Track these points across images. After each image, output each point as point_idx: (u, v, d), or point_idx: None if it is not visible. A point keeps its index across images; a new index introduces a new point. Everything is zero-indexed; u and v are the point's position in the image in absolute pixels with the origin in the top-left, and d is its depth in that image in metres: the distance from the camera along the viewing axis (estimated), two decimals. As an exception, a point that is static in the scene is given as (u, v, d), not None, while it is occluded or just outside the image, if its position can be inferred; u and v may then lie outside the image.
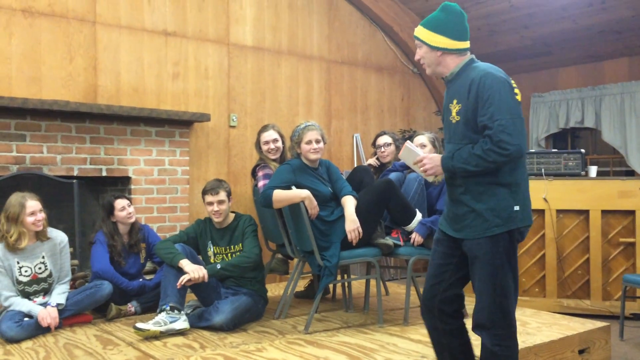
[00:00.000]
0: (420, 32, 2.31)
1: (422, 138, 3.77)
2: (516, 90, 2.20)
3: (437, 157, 2.30)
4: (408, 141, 2.51)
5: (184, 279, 3.24)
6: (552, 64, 6.51)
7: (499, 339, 2.22)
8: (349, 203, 3.44)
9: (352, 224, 3.34)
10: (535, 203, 4.64)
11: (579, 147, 6.42)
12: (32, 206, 3.29)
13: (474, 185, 2.22)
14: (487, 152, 2.12)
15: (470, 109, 2.19)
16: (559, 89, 6.47)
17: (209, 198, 3.53)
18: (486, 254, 2.20)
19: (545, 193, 4.62)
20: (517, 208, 2.21)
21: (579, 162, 4.66)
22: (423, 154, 2.36)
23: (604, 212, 4.52)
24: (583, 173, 4.67)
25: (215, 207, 3.51)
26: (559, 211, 4.62)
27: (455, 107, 2.26)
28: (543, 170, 4.69)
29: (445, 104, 2.35)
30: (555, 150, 4.95)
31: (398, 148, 4.10)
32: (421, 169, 2.34)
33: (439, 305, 2.37)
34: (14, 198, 3.29)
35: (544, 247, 4.64)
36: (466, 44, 2.30)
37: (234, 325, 3.32)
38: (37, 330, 3.22)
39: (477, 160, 2.14)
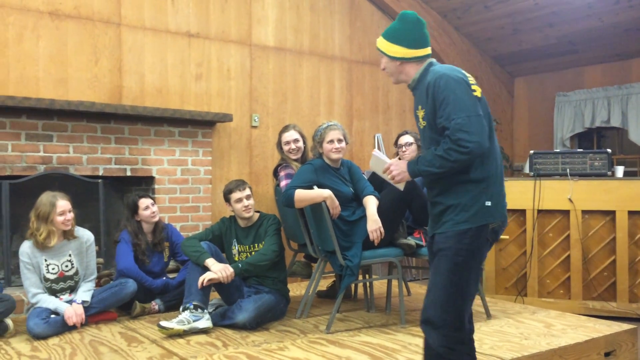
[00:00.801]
0: (380, 42, 2.36)
1: None
2: (474, 87, 2.20)
3: (403, 163, 2.31)
4: (375, 149, 2.50)
5: (205, 277, 3.26)
6: (578, 63, 6.42)
7: (447, 340, 2.13)
8: (371, 203, 3.43)
9: (374, 224, 3.33)
10: (561, 204, 4.58)
11: (605, 147, 6.32)
12: (63, 206, 3.35)
13: (447, 185, 2.21)
14: (447, 151, 2.11)
15: (430, 112, 2.21)
16: (584, 87, 6.38)
17: (236, 195, 3.53)
18: (449, 249, 2.16)
19: (571, 193, 4.55)
20: (488, 203, 2.18)
21: (605, 162, 4.58)
22: (390, 161, 2.36)
23: (631, 213, 4.44)
24: (609, 173, 4.59)
25: (245, 202, 3.53)
26: (584, 212, 4.55)
27: (420, 113, 2.27)
28: (568, 170, 4.62)
29: (414, 113, 2.36)
30: (581, 150, 4.88)
31: (420, 148, 4.08)
32: (389, 176, 2.34)
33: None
34: (45, 197, 3.36)
35: (569, 249, 4.57)
36: (425, 51, 2.31)
37: (257, 324, 3.33)
38: (63, 327, 3.28)
39: (440, 161, 2.13)
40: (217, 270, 3.28)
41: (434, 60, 2.34)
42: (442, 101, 2.15)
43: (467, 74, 2.26)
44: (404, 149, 4.10)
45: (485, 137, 2.12)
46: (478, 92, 2.22)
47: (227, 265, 3.33)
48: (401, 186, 2.52)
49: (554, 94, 6.60)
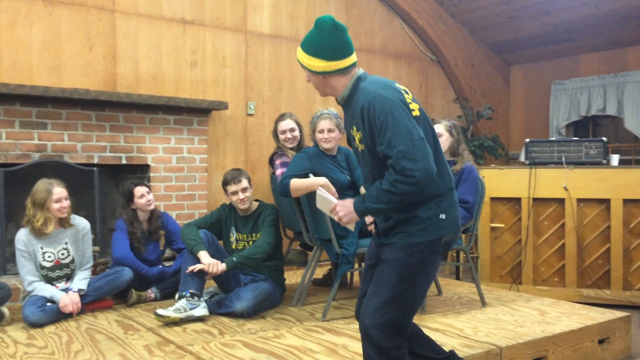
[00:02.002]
0: (300, 55, 2.13)
1: (439, 127, 3.74)
2: (412, 106, 2.06)
3: (349, 203, 2.11)
4: (320, 188, 2.31)
5: (195, 267, 3.26)
6: (574, 51, 6.41)
7: (384, 352, 2.03)
8: None
9: None
10: (556, 192, 4.59)
11: (601, 135, 6.32)
12: (59, 193, 3.34)
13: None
14: (394, 184, 1.95)
15: (368, 137, 2.03)
16: (580, 76, 6.37)
17: (232, 188, 3.53)
18: (397, 260, 2.05)
19: (566, 182, 4.56)
20: (442, 216, 2.08)
21: (601, 151, 4.59)
22: (335, 201, 2.17)
23: (626, 201, 4.46)
24: (604, 162, 4.60)
25: (240, 195, 3.52)
26: (579, 200, 4.57)
27: (357, 135, 2.09)
28: (564, 158, 4.63)
29: (347, 130, 2.19)
30: (577, 138, 4.88)
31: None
32: (335, 217, 2.14)
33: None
34: (41, 184, 3.34)
35: (564, 237, 4.59)
36: (348, 61, 2.09)
37: (254, 312, 3.35)
38: (59, 315, 3.28)
39: (388, 195, 1.96)
40: (207, 263, 3.28)
41: (362, 72, 2.13)
42: (380, 127, 1.97)
43: (402, 88, 2.10)
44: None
45: (430, 161, 1.96)
46: (416, 109, 2.08)
47: (218, 262, 3.31)
48: (351, 226, 2.21)
49: (550, 82, 6.60)
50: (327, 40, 2.06)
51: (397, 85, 2.11)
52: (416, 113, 2.07)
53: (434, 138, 2.13)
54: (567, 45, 6.33)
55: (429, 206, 2.06)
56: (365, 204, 2.04)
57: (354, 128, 2.10)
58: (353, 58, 2.11)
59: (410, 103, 2.07)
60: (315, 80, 2.14)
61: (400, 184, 1.94)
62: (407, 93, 2.10)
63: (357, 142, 2.10)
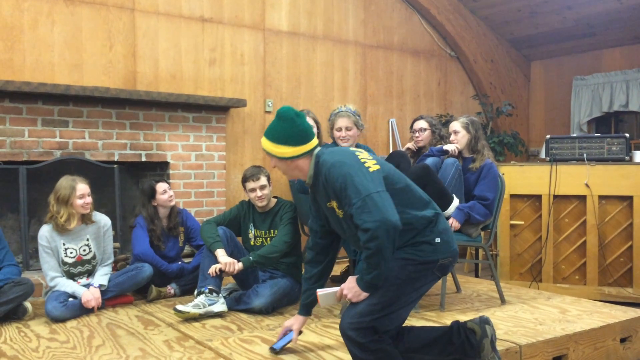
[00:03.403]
0: (265, 143, 2.33)
1: (456, 124, 3.71)
2: (368, 164, 2.18)
3: (351, 282, 2.20)
4: (318, 290, 2.41)
5: (216, 267, 3.28)
6: (596, 46, 6.31)
7: (368, 352, 2.13)
8: None
9: None
10: (577, 189, 4.54)
11: (623, 132, 6.22)
12: (82, 189, 3.39)
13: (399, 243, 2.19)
14: (367, 244, 2.05)
15: (340, 204, 2.19)
16: (602, 71, 6.27)
17: (250, 185, 3.54)
18: (389, 271, 2.14)
19: (587, 179, 4.50)
20: (438, 240, 2.21)
21: (623, 147, 4.52)
22: (337, 289, 2.29)
23: (649, 199, 4.39)
24: (627, 158, 4.53)
25: (259, 193, 3.54)
26: (601, 197, 4.50)
27: (334, 205, 2.23)
28: (585, 155, 4.56)
29: (323, 206, 2.33)
30: (598, 134, 4.82)
31: (434, 133, 4.05)
32: (346, 300, 2.23)
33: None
34: (65, 181, 3.39)
35: (585, 234, 4.53)
36: (312, 144, 2.29)
37: (272, 308, 3.36)
38: (81, 310, 3.33)
39: (373, 259, 2.06)
40: (224, 263, 3.30)
41: (319, 149, 2.31)
42: (339, 189, 2.12)
43: (357, 150, 2.26)
44: (417, 134, 4.07)
45: (388, 210, 2.04)
46: (372, 164, 2.18)
47: (234, 261, 3.33)
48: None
49: (571, 77, 6.51)
50: (291, 128, 2.27)
51: (352, 149, 2.30)
52: (374, 168, 2.19)
53: (398, 177, 2.26)
54: (588, 40, 6.23)
55: (423, 233, 2.21)
56: (364, 277, 2.13)
57: (330, 200, 2.24)
58: (315, 140, 2.32)
59: (365, 160, 2.21)
60: (283, 166, 2.32)
61: (370, 242, 2.04)
62: (361, 153, 2.26)
63: (337, 212, 2.23)
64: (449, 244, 2.26)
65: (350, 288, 2.19)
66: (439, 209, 2.33)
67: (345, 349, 2.66)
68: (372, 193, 2.06)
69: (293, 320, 2.67)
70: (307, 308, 2.62)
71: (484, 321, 2.36)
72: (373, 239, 2.03)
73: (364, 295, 2.17)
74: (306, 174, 2.31)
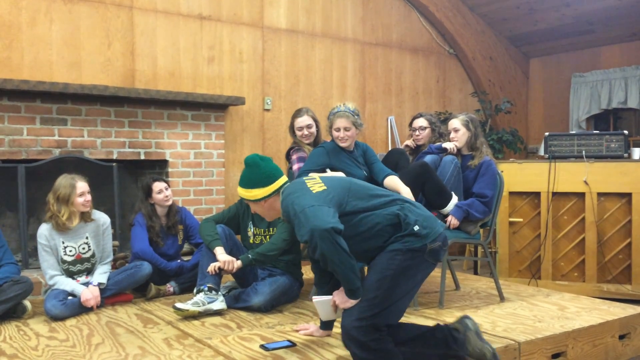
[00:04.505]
0: (240, 191, 2.53)
1: (455, 122, 3.70)
2: (313, 187, 2.33)
3: (339, 295, 2.33)
4: (314, 297, 2.53)
5: (215, 266, 3.28)
6: (594, 43, 6.31)
7: (369, 350, 2.18)
8: (399, 181, 3.39)
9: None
10: (576, 186, 4.54)
11: (622, 129, 6.23)
12: (82, 187, 3.39)
13: (370, 252, 2.33)
14: (313, 255, 2.17)
15: None
16: (601, 68, 6.27)
17: None
18: (380, 264, 2.27)
19: (586, 176, 4.50)
20: (416, 228, 2.29)
21: (622, 144, 4.52)
22: (330, 298, 2.42)
23: (648, 196, 4.39)
24: (626, 155, 4.53)
25: None
26: (600, 194, 4.51)
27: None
28: (584, 152, 4.57)
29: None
30: (597, 131, 4.82)
31: (434, 131, 4.04)
32: (341, 308, 2.34)
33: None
34: (64, 180, 3.39)
35: (584, 231, 4.54)
36: (278, 183, 2.48)
37: (271, 306, 3.36)
38: (80, 308, 3.33)
39: (328, 265, 2.18)
40: (223, 261, 3.30)
41: (285, 187, 2.46)
42: (291, 218, 2.27)
43: (306, 179, 2.43)
44: (417, 132, 4.06)
45: (317, 218, 2.15)
46: (317, 187, 2.34)
47: (233, 260, 3.33)
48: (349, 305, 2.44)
49: (569, 74, 6.51)
50: (258, 172, 2.48)
51: (302, 178, 2.48)
52: (319, 189, 2.33)
53: (358, 190, 2.39)
54: (587, 37, 6.23)
55: (399, 227, 2.31)
56: (346, 286, 2.24)
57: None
58: (283, 179, 2.50)
59: (311, 186, 2.36)
60: (259, 208, 2.52)
61: (313, 254, 2.17)
62: (312, 180, 2.43)
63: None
64: (432, 229, 2.32)
65: (340, 297, 2.33)
66: (406, 200, 2.42)
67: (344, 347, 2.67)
68: (305, 208, 2.20)
69: (314, 328, 2.82)
70: (328, 324, 2.76)
71: (464, 317, 2.46)
72: (314, 249, 2.15)
73: (351, 302, 2.27)
74: (278, 213, 2.50)
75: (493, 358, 2.33)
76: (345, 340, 2.25)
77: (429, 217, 2.37)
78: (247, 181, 2.50)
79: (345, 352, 2.58)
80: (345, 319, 2.24)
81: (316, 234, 2.12)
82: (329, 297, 2.43)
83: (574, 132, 5.33)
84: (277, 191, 2.48)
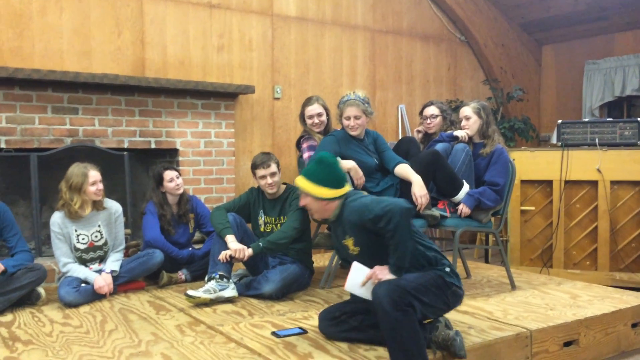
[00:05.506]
0: (303, 183, 2.53)
1: (467, 110, 3.68)
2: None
3: (382, 268, 2.39)
4: (354, 263, 2.51)
5: (226, 254, 3.29)
6: (608, 29, 6.22)
7: (395, 307, 2.22)
8: (409, 169, 3.38)
9: (422, 189, 3.28)
10: (589, 174, 4.50)
11: (636, 116, 6.15)
12: (94, 176, 3.41)
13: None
14: (386, 227, 2.29)
15: (362, 234, 2.44)
16: (614, 55, 6.19)
17: (261, 172, 3.53)
18: (425, 272, 2.42)
19: (599, 164, 4.46)
20: (447, 270, 2.49)
21: (636, 132, 4.47)
22: (368, 270, 2.44)
23: (662, 184, 4.34)
24: (639, 143, 4.48)
25: (269, 180, 3.53)
26: (613, 182, 4.47)
27: (349, 242, 2.50)
28: (597, 140, 4.52)
29: (339, 241, 2.58)
30: (610, 119, 4.76)
31: (445, 119, 4.01)
32: (377, 280, 2.38)
33: None
34: (77, 168, 3.41)
35: (597, 220, 4.50)
36: (346, 188, 2.54)
37: (282, 294, 3.37)
38: (93, 295, 3.36)
39: (393, 240, 2.30)
40: (234, 249, 3.31)
41: (346, 194, 2.53)
42: (362, 214, 2.38)
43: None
44: (429, 121, 4.03)
45: (399, 201, 2.37)
46: None
47: (244, 248, 3.34)
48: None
49: (583, 62, 6.43)
50: (331, 172, 2.52)
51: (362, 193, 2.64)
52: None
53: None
54: (601, 23, 6.14)
55: (435, 263, 2.50)
56: (390, 262, 2.36)
57: (346, 237, 2.51)
58: (348, 187, 2.56)
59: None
60: (317, 206, 2.53)
61: (387, 226, 2.29)
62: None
63: (351, 247, 2.50)
64: (459, 280, 2.48)
65: (381, 269, 2.39)
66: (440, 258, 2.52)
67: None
68: (383, 198, 2.44)
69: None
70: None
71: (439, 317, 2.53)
72: (389, 221, 2.27)
73: (390, 276, 2.35)
74: (331, 214, 2.54)
75: (456, 336, 2.39)
76: (375, 301, 2.25)
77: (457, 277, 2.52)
78: (317, 177, 2.50)
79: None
80: (382, 284, 2.29)
81: (397, 209, 2.28)
82: (366, 268, 2.45)
83: (587, 119, 5.27)
84: (341, 197, 2.52)
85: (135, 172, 4.56)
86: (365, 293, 2.43)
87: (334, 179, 2.50)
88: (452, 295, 2.44)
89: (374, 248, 2.44)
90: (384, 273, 2.36)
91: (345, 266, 4.29)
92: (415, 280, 2.33)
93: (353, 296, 2.67)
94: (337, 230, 2.59)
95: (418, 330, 2.23)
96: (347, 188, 2.55)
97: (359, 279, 2.44)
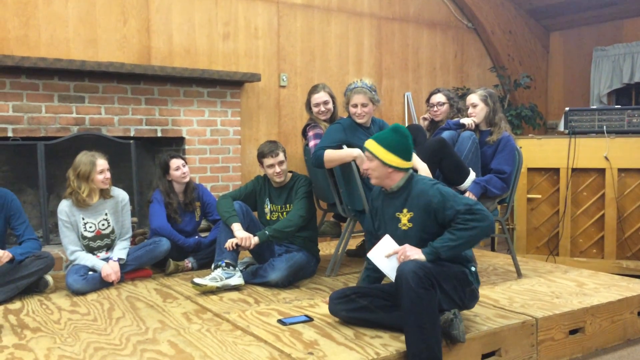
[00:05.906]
0: (374, 146, 2.55)
1: (474, 97, 3.66)
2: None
3: (414, 247, 2.44)
4: (387, 236, 2.54)
5: (232, 242, 3.30)
6: (617, 15, 6.14)
7: (419, 284, 2.27)
8: (416, 158, 3.37)
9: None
10: (596, 162, 4.48)
11: (644, 104, 6.10)
12: (102, 164, 3.43)
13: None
14: (464, 215, 2.37)
15: (423, 216, 2.47)
16: (623, 41, 6.12)
17: (269, 161, 3.53)
18: (453, 265, 2.51)
19: (607, 151, 4.43)
20: (473, 269, 2.63)
21: (644, 119, 4.44)
22: (400, 247, 2.47)
23: (670, 171, 4.31)
24: (648, 130, 4.45)
25: (277, 169, 3.53)
26: (620, 170, 4.44)
27: (404, 216, 2.52)
28: (605, 127, 4.49)
29: (389, 213, 2.59)
30: (619, 106, 4.72)
31: (452, 107, 3.99)
32: (403, 257, 2.42)
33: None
34: (84, 157, 3.42)
35: (604, 207, 4.49)
36: (411, 163, 2.59)
37: (289, 282, 3.39)
38: (100, 283, 3.39)
39: (459, 232, 2.37)
40: (240, 237, 3.32)
41: (411, 170, 2.61)
42: (441, 202, 2.42)
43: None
44: (435, 108, 4.01)
45: (490, 215, 2.45)
46: None
47: (250, 236, 3.34)
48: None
49: (591, 48, 6.36)
50: (405, 143, 2.54)
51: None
52: None
53: None
54: (609, 9, 6.06)
55: (466, 262, 2.59)
56: (434, 244, 2.40)
57: (404, 210, 2.53)
58: (412, 162, 2.61)
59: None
60: (381, 171, 2.54)
61: (469, 220, 2.37)
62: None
63: (403, 221, 2.53)
64: (479, 284, 2.60)
65: (411, 248, 2.43)
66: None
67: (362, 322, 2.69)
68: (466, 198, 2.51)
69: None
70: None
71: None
72: (475, 219, 2.36)
73: (419, 256, 2.39)
74: (393, 184, 2.56)
75: (454, 317, 2.42)
76: (400, 278, 2.30)
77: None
78: (390, 144, 2.52)
79: (362, 327, 2.60)
80: (409, 262, 2.34)
81: (491, 218, 2.40)
82: (394, 246, 2.49)
83: (595, 107, 5.22)
84: (407, 169, 2.56)
85: (142, 161, 4.58)
86: (386, 265, 2.47)
87: (405, 149, 2.53)
88: (469, 293, 2.51)
89: (427, 231, 2.47)
90: (413, 252, 2.40)
91: (351, 255, 4.31)
92: (440, 266, 2.39)
93: (367, 269, 2.74)
94: (392, 201, 2.59)
95: (436, 311, 2.31)
96: (412, 163, 2.60)
97: (386, 250, 2.48)
